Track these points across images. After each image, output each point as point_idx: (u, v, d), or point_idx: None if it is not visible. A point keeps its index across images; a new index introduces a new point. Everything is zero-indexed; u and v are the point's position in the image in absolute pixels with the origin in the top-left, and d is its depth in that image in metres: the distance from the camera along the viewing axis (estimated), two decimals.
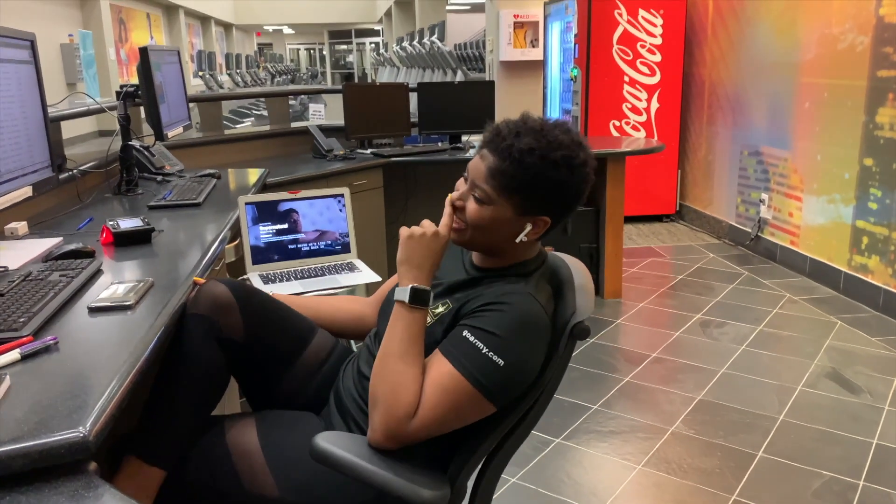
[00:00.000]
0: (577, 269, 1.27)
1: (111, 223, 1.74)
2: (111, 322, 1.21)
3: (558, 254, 1.34)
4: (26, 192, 1.62)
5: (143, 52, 2.40)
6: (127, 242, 1.72)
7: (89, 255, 1.57)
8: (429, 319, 1.19)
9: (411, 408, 1.08)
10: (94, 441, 0.83)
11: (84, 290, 1.37)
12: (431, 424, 1.09)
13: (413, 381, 1.09)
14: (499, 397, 1.11)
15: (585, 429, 2.52)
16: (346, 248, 2.19)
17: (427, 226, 1.18)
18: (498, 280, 1.21)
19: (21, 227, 1.82)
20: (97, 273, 1.48)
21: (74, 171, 2.37)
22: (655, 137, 5.44)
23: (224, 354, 1.30)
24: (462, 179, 1.23)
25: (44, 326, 1.17)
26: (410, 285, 1.14)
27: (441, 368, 1.10)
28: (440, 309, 1.21)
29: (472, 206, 1.19)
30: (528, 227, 1.19)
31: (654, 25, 5.29)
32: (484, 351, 1.09)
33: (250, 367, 1.38)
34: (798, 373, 2.94)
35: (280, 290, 1.82)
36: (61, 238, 1.75)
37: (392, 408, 1.08)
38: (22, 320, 1.14)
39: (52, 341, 1.09)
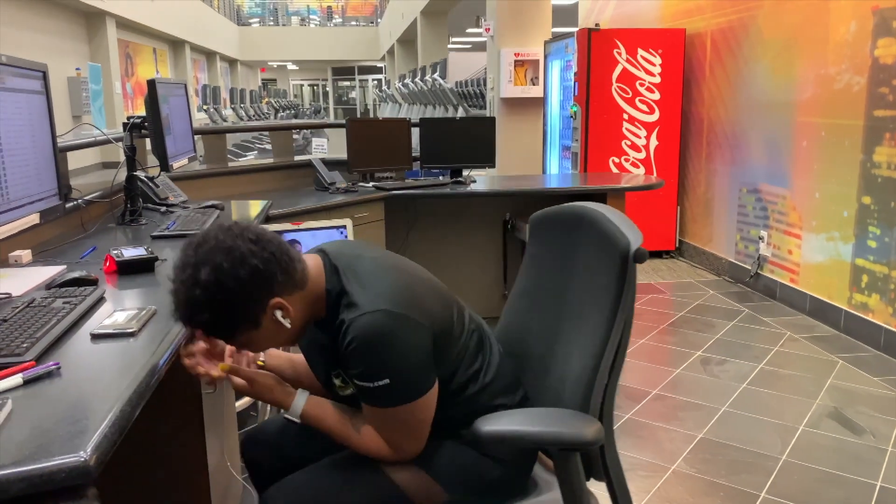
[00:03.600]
0: (609, 209, 1.32)
1: (115, 252, 1.75)
2: (113, 349, 1.21)
3: (577, 203, 1.39)
4: (33, 219, 1.63)
5: (151, 84, 2.44)
6: (130, 271, 1.72)
7: (92, 282, 1.57)
8: (350, 391, 1.30)
9: (384, 450, 1.26)
10: (94, 466, 0.82)
11: (87, 317, 1.37)
12: (416, 442, 1.26)
13: (368, 438, 1.26)
14: (423, 385, 1.23)
15: None
16: None
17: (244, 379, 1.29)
18: (339, 326, 1.22)
19: (25, 254, 1.83)
20: (100, 301, 1.48)
21: (79, 200, 2.39)
22: (655, 174, 5.49)
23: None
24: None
25: (46, 352, 1.17)
26: (293, 412, 1.28)
27: (376, 415, 1.25)
28: (338, 381, 1.33)
29: (230, 349, 1.30)
30: (278, 314, 1.19)
31: (653, 64, 5.38)
32: (372, 386, 1.19)
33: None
34: (800, 412, 2.92)
35: None
36: (65, 266, 1.76)
37: (378, 456, 1.27)
38: (25, 345, 1.15)
39: (54, 367, 1.09)
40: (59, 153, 1.88)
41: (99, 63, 12.63)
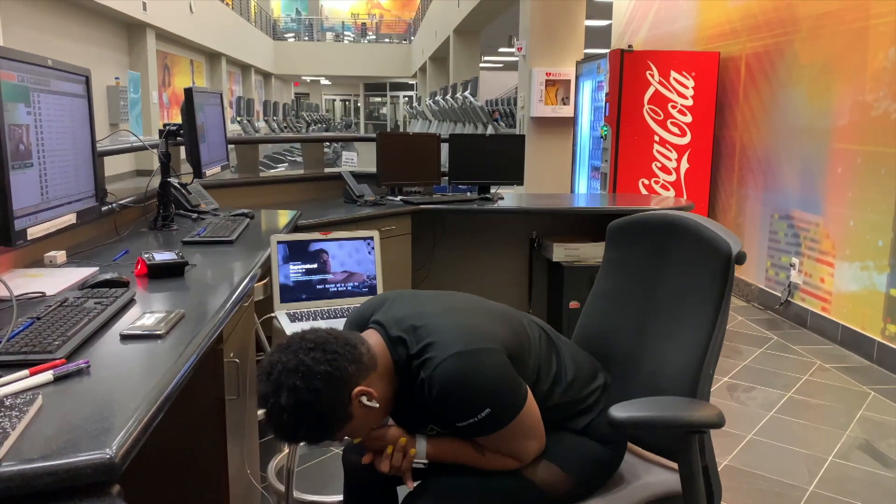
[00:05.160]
0: (701, 217, 1.42)
1: (146, 255, 1.78)
2: (141, 350, 1.23)
3: (664, 211, 1.50)
4: (70, 219, 1.67)
5: (188, 92, 2.49)
6: (160, 275, 1.75)
7: (124, 284, 1.60)
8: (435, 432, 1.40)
9: (513, 462, 1.34)
10: (119, 463, 0.83)
11: (117, 318, 1.39)
12: (537, 442, 1.35)
13: (495, 458, 1.34)
14: (521, 395, 1.29)
15: None
16: (372, 291, 2.20)
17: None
18: (415, 389, 1.28)
19: (60, 255, 1.87)
20: (130, 302, 1.51)
21: (114, 204, 2.43)
22: (685, 197, 5.44)
23: None
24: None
25: (77, 350, 1.19)
26: (418, 458, 1.34)
27: (493, 440, 1.31)
28: (434, 432, 1.40)
29: (346, 437, 1.32)
30: (364, 399, 1.23)
31: (686, 87, 5.35)
32: (477, 420, 1.25)
33: None
34: (829, 443, 2.84)
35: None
36: (97, 268, 1.79)
37: (511, 467, 1.35)
38: (56, 343, 1.17)
39: (84, 365, 1.11)
40: (97, 157, 1.92)
41: (138, 72, 12.93)
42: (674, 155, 5.43)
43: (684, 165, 5.45)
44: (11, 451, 0.83)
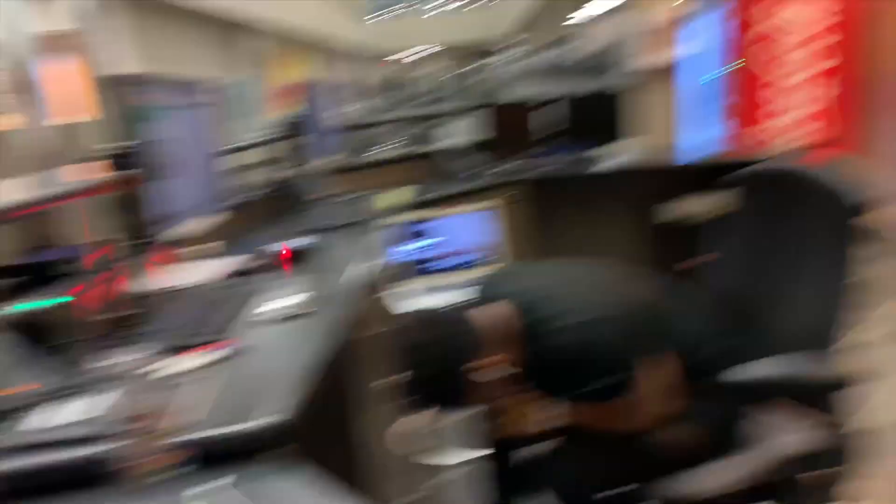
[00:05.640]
0: (825, 166, 1.39)
1: (288, 242, 1.93)
2: (294, 328, 1.36)
3: (787, 163, 1.45)
4: (217, 214, 1.85)
5: (306, 86, 2.64)
6: (299, 260, 1.91)
7: (273, 269, 1.77)
8: None
9: (648, 424, 1.36)
10: (295, 425, 0.96)
11: (270, 299, 1.54)
12: (669, 408, 1.36)
13: (632, 421, 1.37)
14: (652, 363, 1.32)
15: None
16: (490, 264, 2.27)
17: None
18: (545, 358, 1.34)
19: (214, 246, 2.06)
20: (280, 286, 1.65)
21: (250, 196, 2.63)
22: (822, 138, 5.06)
23: None
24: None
25: (239, 331, 1.33)
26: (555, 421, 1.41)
27: (627, 402, 1.33)
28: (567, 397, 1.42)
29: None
30: (495, 370, 1.31)
31: (814, 22, 4.96)
32: (610, 383, 1.30)
33: None
34: None
35: (425, 304, 1.95)
36: (247, 255, 1.95)
37: (646, 427, 1.37)
38: (221, 325, 1.33)
39: (247, 344, 1.26)
40: (230, 154, 2.10)
41: (248, 70, 13.49)
42: (802, 94, 5.05)
43: (815, 103, 5.04)
44: (192, 422, 0.97)
